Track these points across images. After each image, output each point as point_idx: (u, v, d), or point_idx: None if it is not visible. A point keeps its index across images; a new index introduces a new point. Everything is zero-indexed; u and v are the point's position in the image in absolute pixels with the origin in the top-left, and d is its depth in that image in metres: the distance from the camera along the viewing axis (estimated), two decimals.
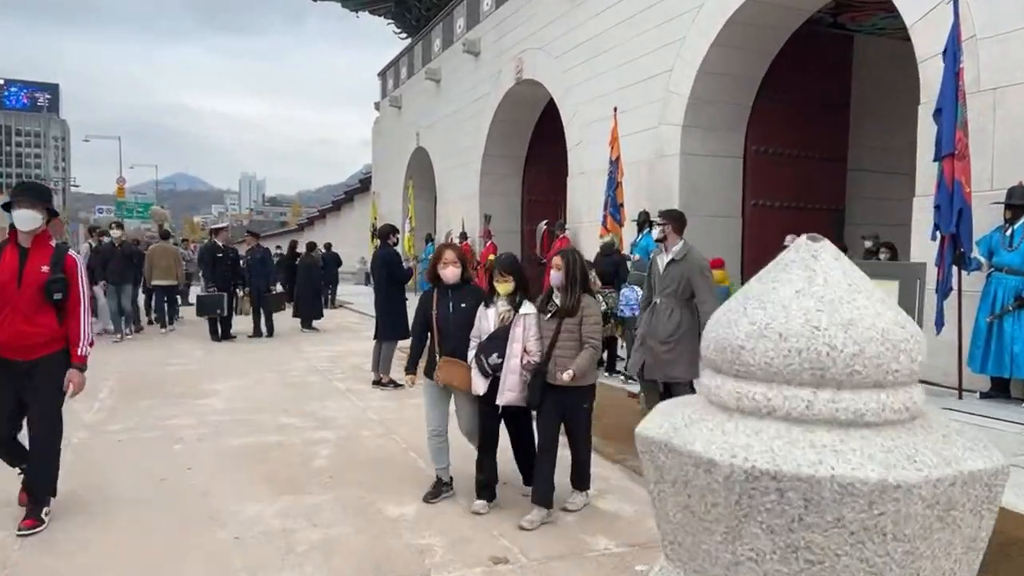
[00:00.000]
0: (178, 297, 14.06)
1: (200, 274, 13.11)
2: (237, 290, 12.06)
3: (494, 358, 4.02)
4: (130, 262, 11.96)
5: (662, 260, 5.06)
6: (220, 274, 11.74)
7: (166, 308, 13.08)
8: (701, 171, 10.88)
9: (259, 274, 12.36)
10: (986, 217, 6.22)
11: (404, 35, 31.17)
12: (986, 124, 6.52)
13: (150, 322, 13.50)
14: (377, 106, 28.42)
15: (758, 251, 11.33)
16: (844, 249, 7.13)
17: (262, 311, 12.36)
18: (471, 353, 4.15)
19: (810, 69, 11.50)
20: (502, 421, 4.30)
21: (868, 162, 12.67)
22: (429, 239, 21.04)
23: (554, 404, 3.99)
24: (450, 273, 4.33)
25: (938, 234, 6.24)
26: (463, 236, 17.69)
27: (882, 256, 11.91)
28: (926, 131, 7.10)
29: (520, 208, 18.39)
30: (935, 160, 6.28)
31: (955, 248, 6.15)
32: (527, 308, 4.07)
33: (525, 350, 3.99)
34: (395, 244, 8.45)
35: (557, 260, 4.02)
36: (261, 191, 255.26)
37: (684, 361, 4.85)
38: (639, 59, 11.67)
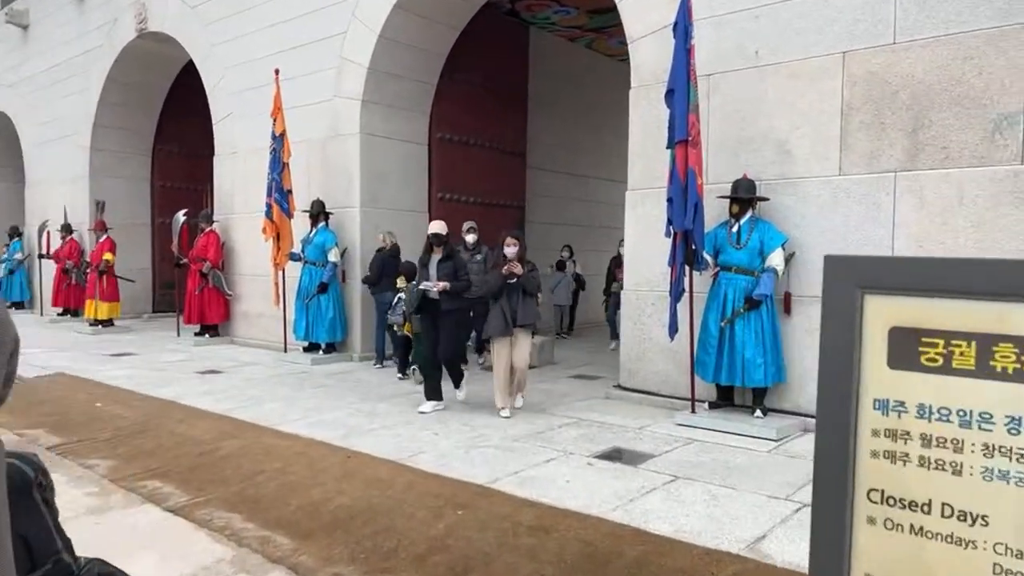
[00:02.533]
0: None
1: None
2: None
3: None
4: None
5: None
6: None
7: None
8: (387, 156, 9.32)
9: None
10: (708, 212, 5.76)
11: None
12: (701, 112, 6.10)
13: None
14: None
15: None
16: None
17: None
18: None
19: (492, 55, 10.74)
20: None
21: (544, 159, 12.49)
22: (15, 233, 15.96)
23: None
24: None
25: (671, 229, 5.59)
26: (66, 229, 13.51)
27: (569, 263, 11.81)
28: (641, 116, 6.53)
29: (151, 195, 14.76)
30: (668, 147, 5.63)
31: (687, 245, 5.57)
32: None
33: None
34: None
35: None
36: None
37: None
38: (304, 17, 9.63)
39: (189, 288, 10.57)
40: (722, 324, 5.49)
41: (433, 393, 6.12)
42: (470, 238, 8.12)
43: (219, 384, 7.35)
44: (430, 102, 9.86)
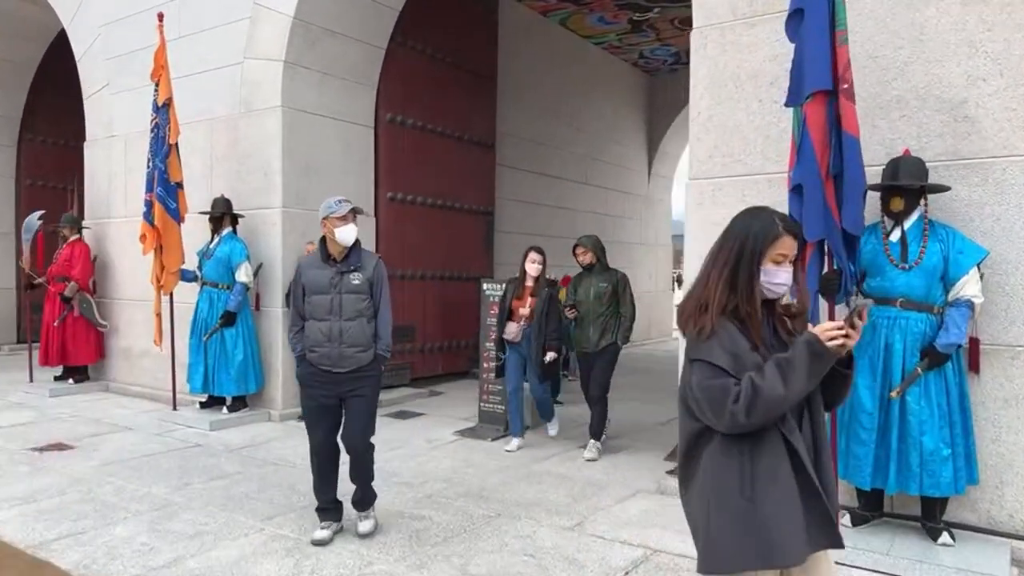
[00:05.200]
0: None
1: None
2: None
3: None
4: None
5: None
6: None
7: None
8: (319, 140, 6.89)
9: None
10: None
11: None
12: None
13: None
14: None
15: (396, 263, 7.84)
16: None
17: None
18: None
19: (455, 23, 8.48)
20: None
21: (515, 157, 10.26)
22: None
23: None
24: None
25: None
26: None
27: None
28: (709, 68, 4.38)
29: (15, 196, 11.75)
30: (792, 104, 3.47)
31: (826, 264, 3.42)
32: None
33: None
34: None
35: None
36: None
37: None
38: None
39: (46, 317, 7.78)
40: (892, 395, 3.34)
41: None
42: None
43: (56, 476, 4.74)
44: (378, 72, 7.49)
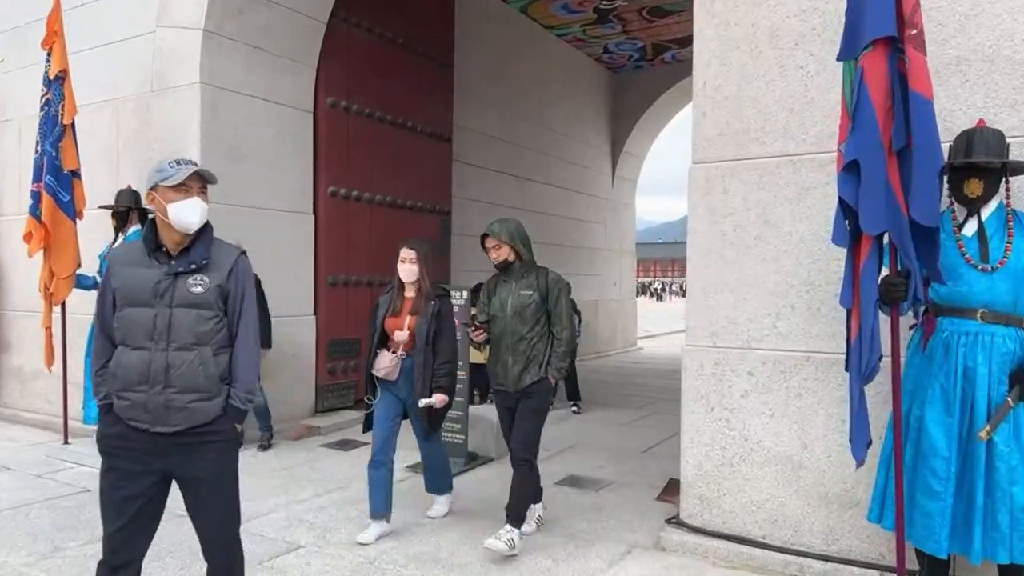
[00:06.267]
0: None
1: None
2: None
3: None
4: None
5: None
6: None
7: None
8: (247, 124, 5.91)
9: None
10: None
11: None
12: None
13: None
14: None
15: (339, 268, 6.89)
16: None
17: None
18: None
19: (406, 1, 7.58)
20: None
21: (473, 153, 9.40)
22: None
23: None
24: None
25: (844, 231, 2.67)
26: None
27: None
28: (717, 27, 3.59)
29: None
30: (844, 58, 2.69)
31: (890, 264, 2.65)
32: None
33: None
34: None
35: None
36: None
37: None
38: None
39: None
40: (980, 436, 2.56)
41: None
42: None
43: None
44: (318, 49, 6.55)
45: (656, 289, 49.26)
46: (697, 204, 3.63)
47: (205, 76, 5.60)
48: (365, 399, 3.84)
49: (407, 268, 3.71)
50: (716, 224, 3.56)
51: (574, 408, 7.24)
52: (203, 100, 5.57)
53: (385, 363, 3.67)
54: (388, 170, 7.38)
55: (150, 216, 2.32)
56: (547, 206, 11.32)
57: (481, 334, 3.64)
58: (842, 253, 2.88)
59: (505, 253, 3.63)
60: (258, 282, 5.26)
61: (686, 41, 11.29)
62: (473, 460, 5.13)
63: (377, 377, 3.72)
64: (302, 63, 6.41)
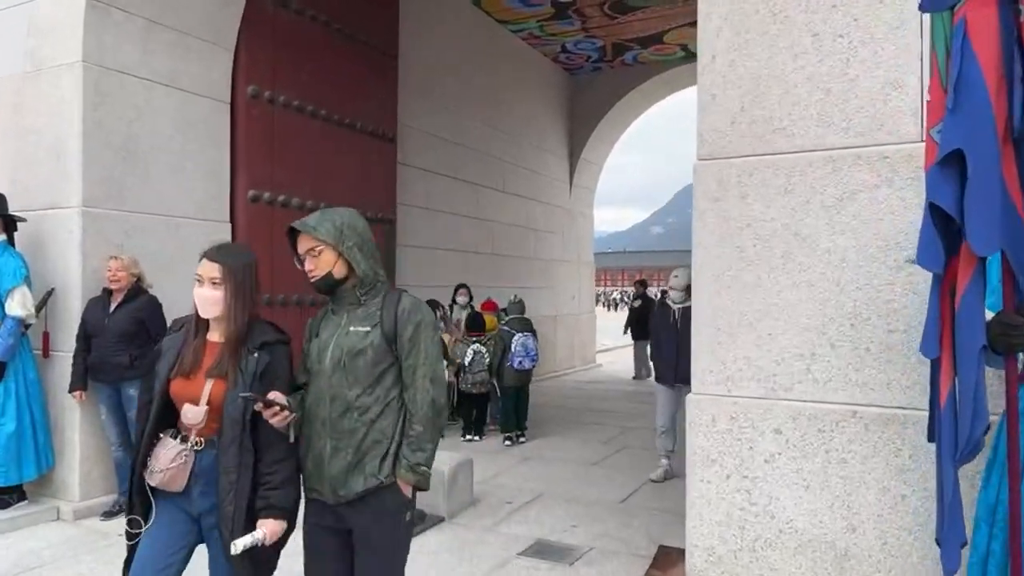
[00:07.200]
0: None
1: None
2: None
3: None
4: None
5: None
6: None
7: None
8: (146, 115, 4.90)
9: None
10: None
11: None
12: None
13: None
14: None
15: (263, 286, 5.91)
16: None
17: None
18: None
19: None
20: None
21: (420, 155, 8.51)
22: None
23: None
24: None
25: (939, 252, 1.90)
26: None
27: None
28: None
29: None
30: (929, 9, 1.93)
31: (999, 293, 1.89)
32: None
33: None
34: None
35: None
36: None
37: None
38: None
39: None
40: None
41: None
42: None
43: None
44: (236, 29, 5.59)
45: (615, 299, 48.94)
46: (705, 212, 2.84)
47: (88, 54, 4.58)
48: (126, 525, 2.13)
49: (205, 295, 2.13)
50: (730, 238, 2.77)
51: (507, 440, 6.47)
52: (85, 83, 4.55)
53: (165, 460, 2.03)
54: (322, 172, 6.43)
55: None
56: (503, 214, 10.49)
57: (283, 416, 1.97)
58: (900, 276, 2.14)
59: (327, 264, 2.10)
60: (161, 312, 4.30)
61: (647, 41, 10.64)
62: (420, 522, 4.24)
63: (151, 486, 2.06)
64: (216, 44, 5.44)
